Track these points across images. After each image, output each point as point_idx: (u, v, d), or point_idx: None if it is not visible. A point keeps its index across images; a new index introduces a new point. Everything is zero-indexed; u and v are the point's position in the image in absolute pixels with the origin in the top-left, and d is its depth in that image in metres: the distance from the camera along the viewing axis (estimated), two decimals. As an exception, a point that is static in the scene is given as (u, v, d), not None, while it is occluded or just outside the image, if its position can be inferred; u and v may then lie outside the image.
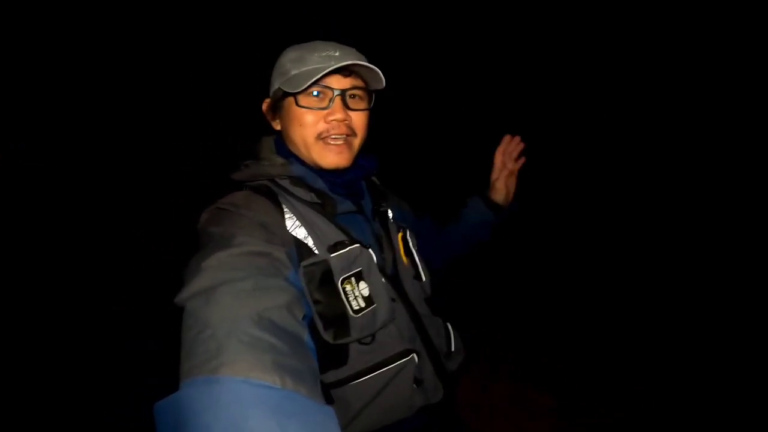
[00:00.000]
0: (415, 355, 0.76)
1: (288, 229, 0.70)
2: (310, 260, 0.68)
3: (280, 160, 0.77)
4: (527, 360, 2.77)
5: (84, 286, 3.14)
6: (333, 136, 0.74)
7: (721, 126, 4.21)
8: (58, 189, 3.41)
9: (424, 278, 0.86)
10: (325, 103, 0.73)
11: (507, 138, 1.04)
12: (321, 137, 0.74)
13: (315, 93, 0.73)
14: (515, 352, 2.85)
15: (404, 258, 0.85)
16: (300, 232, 0.71)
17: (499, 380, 2.51)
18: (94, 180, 3.60)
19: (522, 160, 1.05)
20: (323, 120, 0.73)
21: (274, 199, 0.72)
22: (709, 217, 4.13)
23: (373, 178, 0.93)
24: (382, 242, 0.83)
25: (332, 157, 0.75)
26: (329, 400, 0.72)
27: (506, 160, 1.03)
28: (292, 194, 0.74)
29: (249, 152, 0.82)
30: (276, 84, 0.76)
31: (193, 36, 3.77)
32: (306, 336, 0.54)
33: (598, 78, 4.90)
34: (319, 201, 0.75)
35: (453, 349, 0.89)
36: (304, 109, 0.73)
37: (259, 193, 0.72)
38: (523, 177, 1.08)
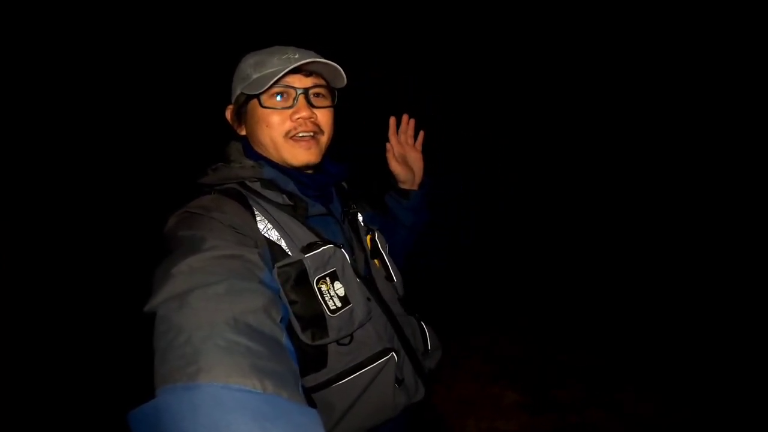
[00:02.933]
0: (394, 354, 0.76)
1: (260, 231, 0.69)
2: (285, 261, 0.68)
3: (250, 162, 0.77)
4: (487, 357, 2.79)
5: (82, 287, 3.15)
6: (300, 134, 0.75)
7: (719, 126, 4.24)
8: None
9: (395, 279, 0.88)
10: (289, 103, 0.75)
11: (392, 120, 0.99)
12: (289, 136, 0.75)
13: (278, 94, 0.74)
14: (475, 349, 2.87)
15: (375, 260, 0.86)
16: (272, 234, 0.70)
17: (462, 379, 2.52)
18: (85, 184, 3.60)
19: (418, 138, 1.01)
20: (289, 119, 0.74)
21: (244, 201, 0.71)
22: (699, 221, 4.16)
23: (342, 183, 0.94)
24: (353, 244, 0.83)
25: (302, 153, 0.75)
26: (311, 404, 0.70)
27: (397, 142, 1.00)
28: (262, 197, 0.74)
29: (217, 156, 0.81)
30: (238, 89, 0.77)
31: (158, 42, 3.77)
32: (284, 338, 0.53)
33: (594, 79, 4.91)
34: (291, 203, 0.75)
35: (430, 347, 0.90)
36: (269, 110, 0.74)
37: (228, 196, 0.71)
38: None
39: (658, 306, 3.20)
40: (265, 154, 0.78)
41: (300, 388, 0.48)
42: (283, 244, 0.70)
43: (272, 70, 0.72)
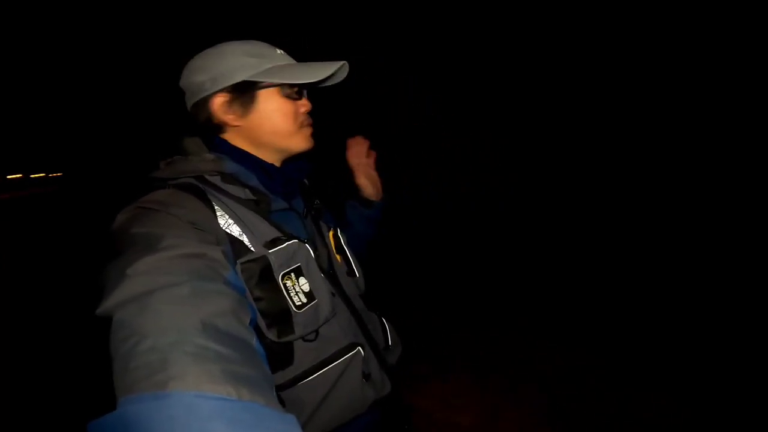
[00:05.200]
0: (360, 349, 0.77)
1: (221, 226, 0.67)
2: (248, 257, 0.66)
3: (211, 156, 0.74)
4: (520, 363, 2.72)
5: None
6: (306, 124, 0.80)
7: (718, 126, 4.21)
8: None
9: (357, 274, 0.88)
10: (297, 96, 0.79)
11: (350, 141, 1.09)
12: (300, 125, 0.79)
13: (291, 86, 0.77)
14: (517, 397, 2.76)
15: (337, 255, 0.86)
16: (234, 230, 0.68)
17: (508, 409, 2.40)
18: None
19: (372, 155, 1.10)
20: (298, 110, 0.78)
21: (202, 196, 0.68)
22: (703, 217, 4.12)
23: (303, 179, 0.93)
24: (316, 239, 0.83)
25: (309, 141, 0.81)
26: (280, 402, 0.69)
27: (357, 159, 1.08)
28: (223, 191, 0.71)
29: (173, 150, 0.77)
30: (237, 77, 0.73)
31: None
32: (255, 341, 0.50)
33: (593, 79, 4.90)
34: (254, 198, 0.73)
35: (390, 343, 0.92)
36: (288, 100, 0.77)
37: (185, 191, 0.67)
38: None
39: (672, 305, 3.19)
40: (263, 144, 0.78)
41: (275, 393, 0.46)
42: (246, 240, 0.68)
43: (286, 63, 0.76)
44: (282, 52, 0.79)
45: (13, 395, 2.45)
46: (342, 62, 0.77)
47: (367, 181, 1.07)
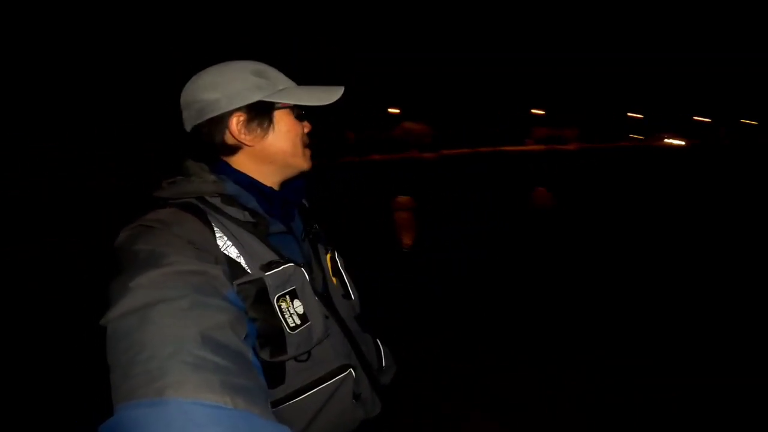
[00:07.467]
0: (351, 370, 0.78)
1: (219, 247, 0.69)
2: (245, 278, 0.68)
3: (212, 177, 0.76)
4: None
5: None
6: (308, 145, 0.85)
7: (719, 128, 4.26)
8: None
9: (353, 297, 0.91)
10: (303, 118, 0.84)
11: None
12: (305, 145, 0.84)
13: (299, 108, 0.82)
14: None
15: (333, 278, 0.88)
16: (232, 251, 0.70)
17: None
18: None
19: None
20: (303, 131, 0.83)
21: (203, 217, 0.70)
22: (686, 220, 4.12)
23: (303, 201, 0.95)
24: (312, 262, 0.85)
25: (310, 161, 0.85)
26: None
27: None
28: (223, 213, 0.73)
29: (175, 170, 0.79)
30: (254, 97, 0.75)
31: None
32: (251, 355, 0.53)
33: (592, 78, 4.91)
34: (253, 220, 0.75)
35: (384, 364, 0.94)
36: (297, 121, 0.81)
37: (186, 211, 0.69)
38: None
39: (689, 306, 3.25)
40: (270, 165, 0.80)
41: (269, 405, 0.48)
42: (242, 262, 0.70)
43: (292, 84, 0.81)
44: (279, 72, 0.82)
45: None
46: (342, 87, 0.81)
47: None
